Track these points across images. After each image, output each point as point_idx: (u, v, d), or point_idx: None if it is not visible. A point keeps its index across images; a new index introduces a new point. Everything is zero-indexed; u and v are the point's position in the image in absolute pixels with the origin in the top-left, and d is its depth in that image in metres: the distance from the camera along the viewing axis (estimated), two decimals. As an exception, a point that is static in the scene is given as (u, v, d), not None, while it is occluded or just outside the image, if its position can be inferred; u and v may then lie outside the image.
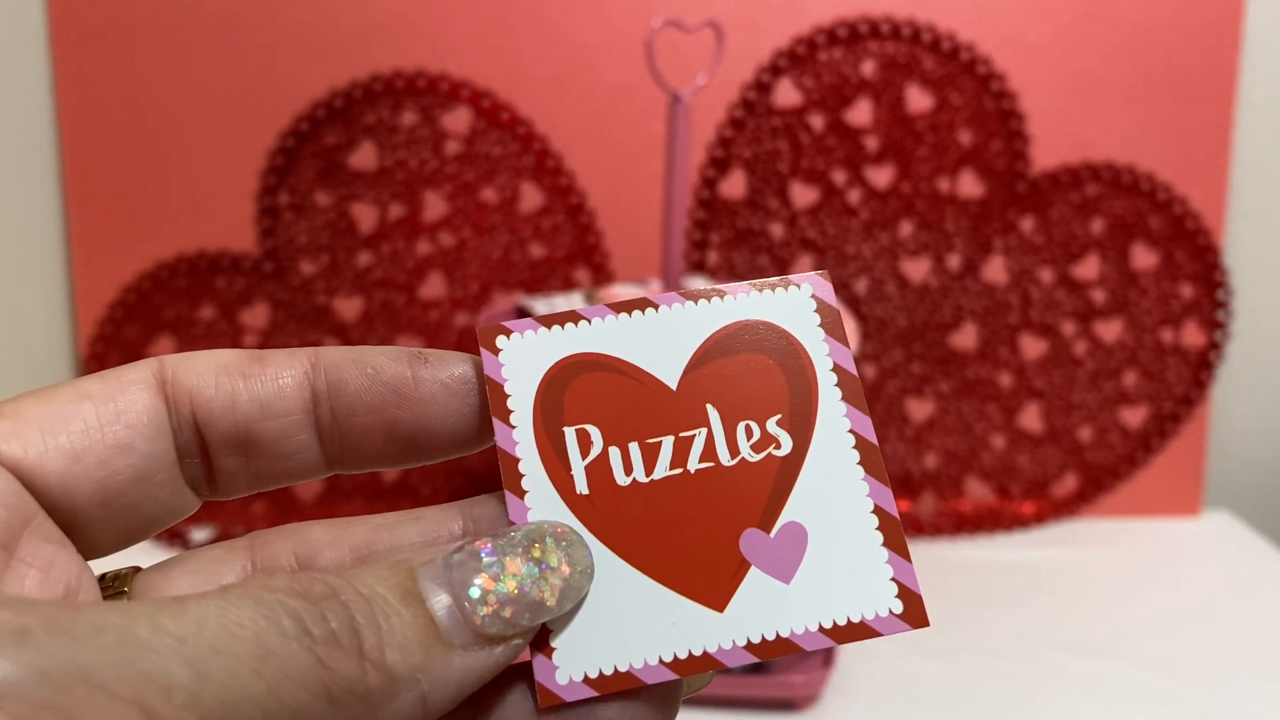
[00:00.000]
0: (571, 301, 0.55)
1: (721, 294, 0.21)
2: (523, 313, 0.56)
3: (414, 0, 0.66)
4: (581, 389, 0.20)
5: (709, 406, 0.20)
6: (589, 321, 0.20)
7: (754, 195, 0.67)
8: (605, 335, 0.20)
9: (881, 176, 0.66)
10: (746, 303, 0.21)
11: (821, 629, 0.18)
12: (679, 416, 0.20)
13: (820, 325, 0.20)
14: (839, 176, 0.66)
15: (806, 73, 0.66)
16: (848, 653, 0.53)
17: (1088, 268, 0.67)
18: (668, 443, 0.19)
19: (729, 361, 0.20)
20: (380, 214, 0.67)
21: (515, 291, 0.67)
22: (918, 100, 0.66)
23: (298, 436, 0.19)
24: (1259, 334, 0.71)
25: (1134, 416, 0.69)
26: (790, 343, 0.20)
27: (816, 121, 0.66)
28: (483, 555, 0.17)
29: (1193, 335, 0.68)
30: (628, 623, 0.18)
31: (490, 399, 0.20)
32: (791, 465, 0.19)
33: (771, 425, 0.20)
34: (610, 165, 0.67)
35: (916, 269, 0.67)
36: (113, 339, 0.68)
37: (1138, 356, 0.68)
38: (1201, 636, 0.55)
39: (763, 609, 0.18)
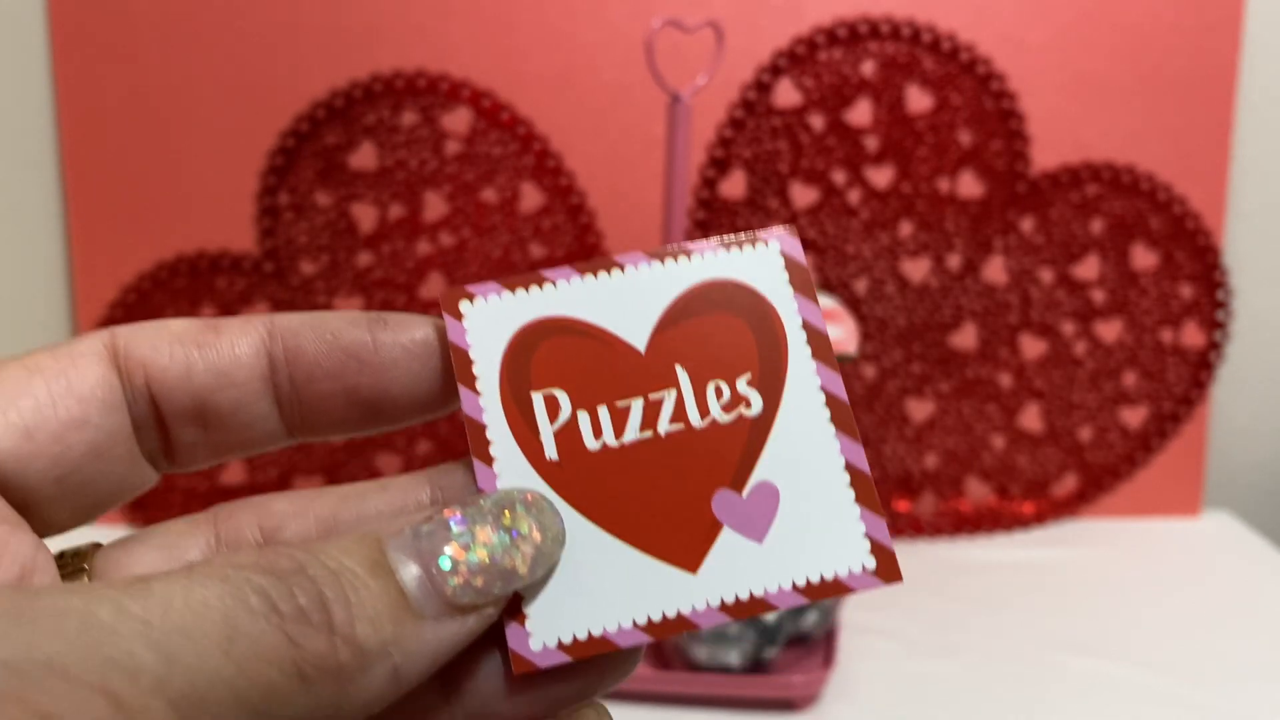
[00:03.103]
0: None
1: (689, 253, 0.20)
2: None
3: (414, 0, 0.66)
4: (548, 353, 0.20)
5: (678, 367, 0.20)
6: (554, 284, 0.20)
7: (754, 195, 0.67)
8: (571, 298, 0.20)
9: (881, 176, 0.66)
10: (714, 261, 0.20)
11: (795, 587, 0.18)
12: (648, 378, 0.20)
13: (789, 283, 0.20)
14: (839, 176, 0.66)
15: (806, 73, 0.66)
16: (848, 653, 0.53)
17: (1088, 268, 0.67)
18: (637, 405, 0.19)
19: (697, 321, 0.20)
20: (380, 214, 0.67)
21: (515, 291, 0.67)
22: (918, 100, 0.66)
23: (256, 405, 0.19)
24: (1259, 334, 0.71)
25: (1134, 416, 0.69)
26: (759, 301, 0.20)
27: (816, 121, 0.66)
28: (452, 524, 0.17)
29: (1193, 335, 0.68)
30: (600, 587, 0.18)
31: (455, 365, 0.19)
32: (762, 425, 0.19)
33: (741, 385, 0.20)
34: (610, 165, 0.67)
35: (916, 269, 0.67)
36: (113, 339, 0.68)
37: (1138, 356, 0.68)
38: (1201, 636, 0.55)
39: (736, 569, 0.18)
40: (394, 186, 0.66)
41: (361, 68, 0.66)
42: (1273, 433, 0.73)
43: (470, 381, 0.19)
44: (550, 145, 0.66)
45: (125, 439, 0.19)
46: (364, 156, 0.66)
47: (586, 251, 0.67)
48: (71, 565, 0.18)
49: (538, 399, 0.19)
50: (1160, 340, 0.68)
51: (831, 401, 0.19)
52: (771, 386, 0.20)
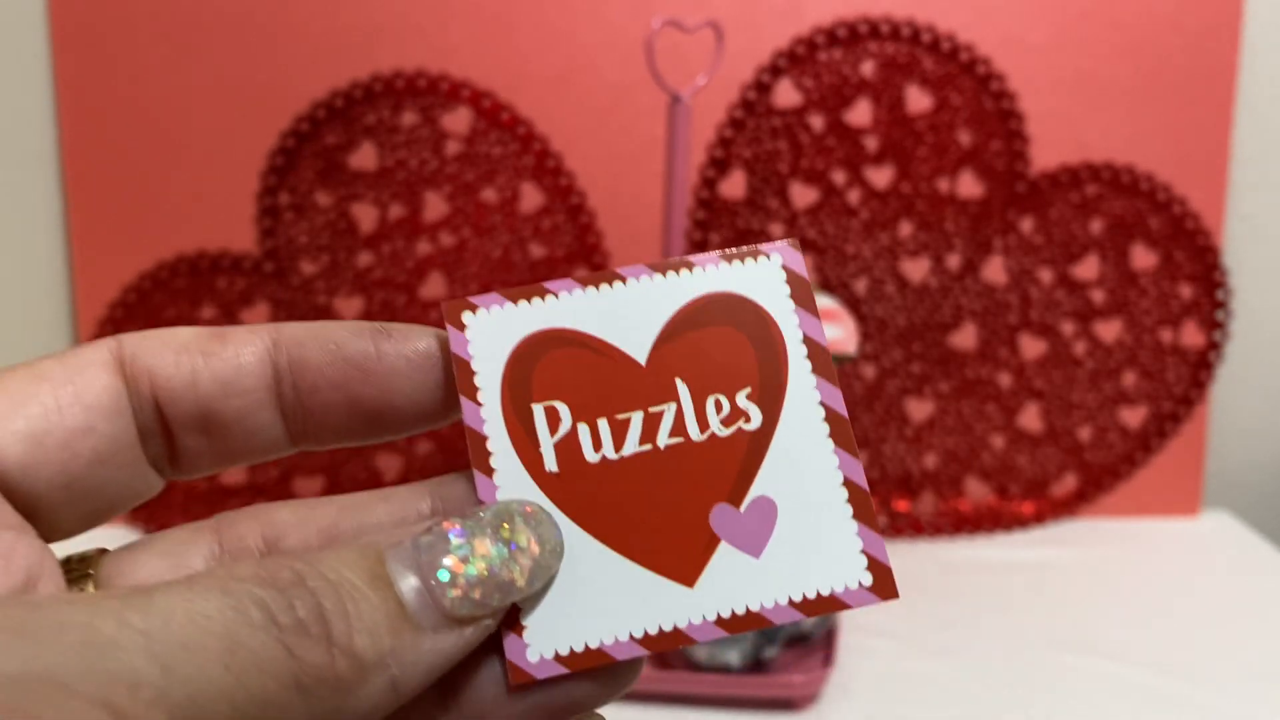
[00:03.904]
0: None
1: (690, 265, 0.20)
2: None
3: (414, 0, 0.66)
4: (549, 365, 0.20)
5: (678, 381, 0.19)
6: (556, 296, 0.20)
7: (754, 195, 0.67)
8: (573, 309, 0.20)
9: (881, 176, 0.66)
10: (715, 274, 0.20)
11: (791, 602, 0.18)
12: (648, 391, 0.19)
13: (790, 296, 0.20)
14: (839, 176, 0.66)
15: (806, 73, 0.66)
16: (847, 652, 0.53)
17: (1087, 268, 0.67)
18: (637, 418, 0.19)
19: (698, 335, 0.20)
20: (380, 214, 0.67)
21: (515, 291, 0.67)
22: (917, 100, 0.66)
23: (260, 414, 0.19)
24: (1259, 334, 0.71)
25: (1134, 416, 0.69)
26: (760, 315, 0.20)
27: (816, 121, 0.66)
28: (451, 536, 0.17)
29: (1192, 335, 0.68)
30: (598, 600, 0.18)
31: (457, 376, 0.19)
32: (761, 439, 0.19)
33: (741, 399, 0.19)
34: (610, 165, 0.67)
35: (916, 269, 0.67)
36: (113, 339, 0.68)
37: (1137, 356, 0.68)
38: (1201, 636, 0.55)
39: (733, 584, 0.18)
40: (394, 186, 0.66)
41: (361, 68, 0.66)
42: (1273, 433, 0.73)
43: (472, 392, 0.19)
44: (550, 145, 0.66)
45: (130, 446, 0.19)
46: (364, 156, 0.66)
47: (586, 252, 0.67)
48: (77, 571, 0.18)
49: (538, 410, 0.19)
50: (1160, 340, 0.68)
51: (831, 416, 0.19)
52: (771, 401, 0.19)
